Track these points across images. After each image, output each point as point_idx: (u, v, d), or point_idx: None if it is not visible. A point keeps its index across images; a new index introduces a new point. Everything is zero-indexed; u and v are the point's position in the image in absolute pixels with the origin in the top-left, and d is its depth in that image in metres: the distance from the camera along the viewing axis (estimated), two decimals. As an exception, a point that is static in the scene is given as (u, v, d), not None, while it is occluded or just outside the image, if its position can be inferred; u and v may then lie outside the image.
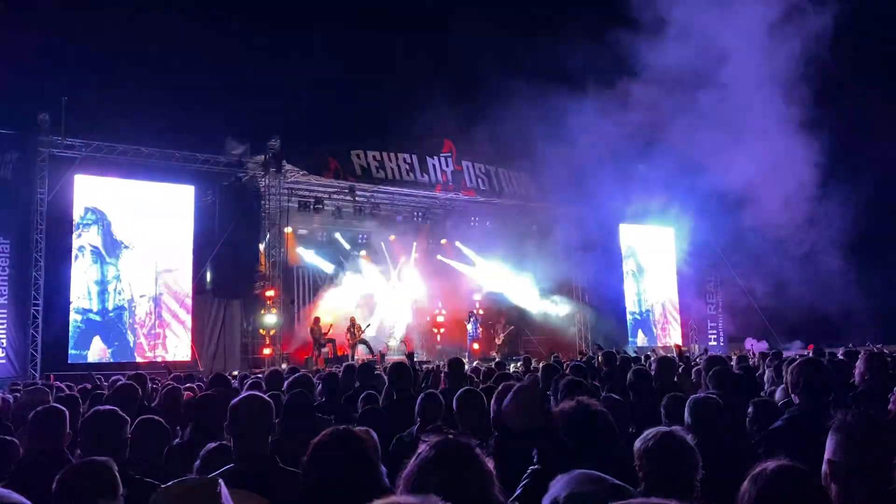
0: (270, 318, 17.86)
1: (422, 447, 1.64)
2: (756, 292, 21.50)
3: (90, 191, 16.59)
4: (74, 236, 16.16)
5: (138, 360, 16.27)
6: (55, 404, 3.82)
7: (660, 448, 2.36)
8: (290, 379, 5.60)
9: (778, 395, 5.07)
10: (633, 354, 13.03)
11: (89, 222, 16.48)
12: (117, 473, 2.41)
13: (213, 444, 3.17)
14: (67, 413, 3.50)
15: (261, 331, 17.99)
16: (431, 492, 1.49)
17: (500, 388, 3.27)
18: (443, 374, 7.75)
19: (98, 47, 18.72)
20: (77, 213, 16.26)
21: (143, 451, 3.50)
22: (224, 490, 1.94)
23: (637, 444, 2.46)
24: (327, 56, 24.81)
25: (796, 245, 18.79)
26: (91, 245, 16.47)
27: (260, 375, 8.41)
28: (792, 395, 3.79)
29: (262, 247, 18.67)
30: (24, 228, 15.50)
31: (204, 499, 1.89)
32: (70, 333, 15.88)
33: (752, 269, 21.07)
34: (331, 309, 20.08)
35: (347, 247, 21.99)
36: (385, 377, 7.31)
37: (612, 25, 17.56)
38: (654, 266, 24.55)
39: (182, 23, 19.50)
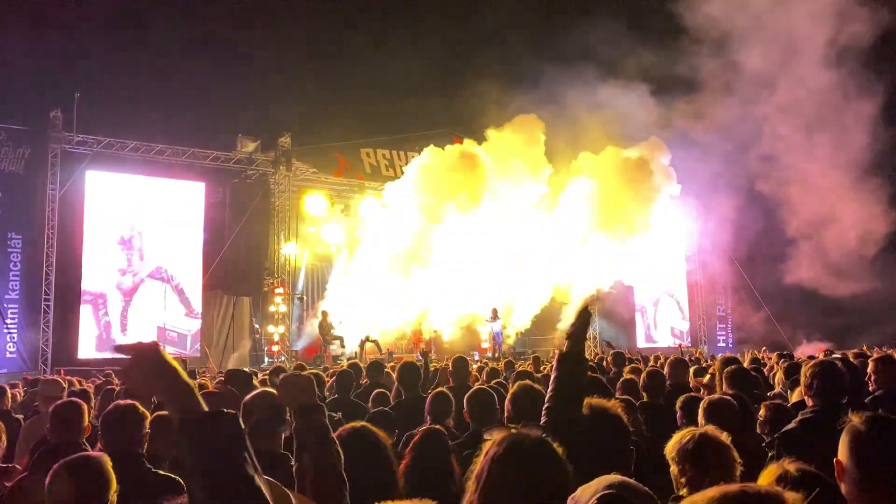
0: (279, 315, 17.89)
1: (491, 444, 1.51)
2: (767, 294, 21.33)
3: (101, 187, 16.69)
4: (103, 225, 16.53)
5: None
6: (73, 398, 3.85)
7: (699, 448, 2.32)
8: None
9: (795, 397, 5.03)
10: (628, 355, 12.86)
11: (112, 215, 16.73)
12: (110, 469, 2.40)
13: None
14: (85, 407, 3.54)
15: (269, 327, 18.03)
16: (510, 489, 1.42)
17: (514, 387, 3.26)
18: (448, 373, 7.72)
19: (110, 45, 18.86)
20: (101, 206, 16.49)
21: (153, 447, 3.50)
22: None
23: (672, 446, 2.41)
24: (337, 55, 24.87)
25: (811, 247, 18.50)
26: (119, 236, 16.76)
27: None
28: (805, 397, 3.76)
29: (271, 243, 18.71)
30: (37, 224, 15.61)
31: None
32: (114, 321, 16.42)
33: (762, 271, 20.88)
34: (339, 306, 20.04)
35: (356, 244, 21.93)
36: (394, 375, 7.32)
37: (617, 26, 17.56)
38: (664, 267, 24.41)
39: (193, 21, 19.61)
